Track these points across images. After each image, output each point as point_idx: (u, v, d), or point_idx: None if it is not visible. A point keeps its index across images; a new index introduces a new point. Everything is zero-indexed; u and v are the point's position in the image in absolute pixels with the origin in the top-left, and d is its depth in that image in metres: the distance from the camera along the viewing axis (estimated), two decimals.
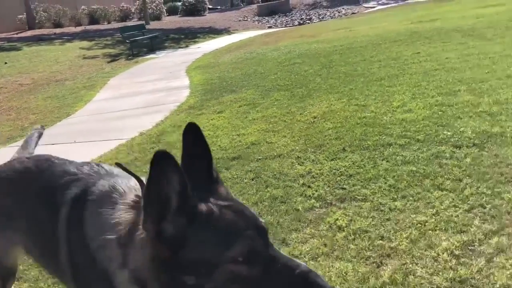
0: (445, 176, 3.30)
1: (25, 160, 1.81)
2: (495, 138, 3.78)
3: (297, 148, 4.40)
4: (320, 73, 7.91)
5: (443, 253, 2.44)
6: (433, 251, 2.49)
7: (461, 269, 2.30)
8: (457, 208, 2.87)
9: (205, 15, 34.74)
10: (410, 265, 2.41)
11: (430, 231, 2.68)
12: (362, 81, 6.66)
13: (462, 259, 2.38)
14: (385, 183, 3.37)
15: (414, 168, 3.50)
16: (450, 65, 6.71)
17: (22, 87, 12.09)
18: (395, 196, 3.16)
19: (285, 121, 5.40)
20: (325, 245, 2.73)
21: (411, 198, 3.10)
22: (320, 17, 29.03)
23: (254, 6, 38.33)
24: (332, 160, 3.98)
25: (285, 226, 3.01)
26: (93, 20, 31.05)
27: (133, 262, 1.20)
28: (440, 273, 2.30)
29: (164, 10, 34.75)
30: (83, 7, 31.10)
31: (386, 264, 2.46)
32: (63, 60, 16.12)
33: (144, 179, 1.27)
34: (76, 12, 30.51)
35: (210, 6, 38.81)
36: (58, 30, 26.21)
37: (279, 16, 32.13)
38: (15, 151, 2.15)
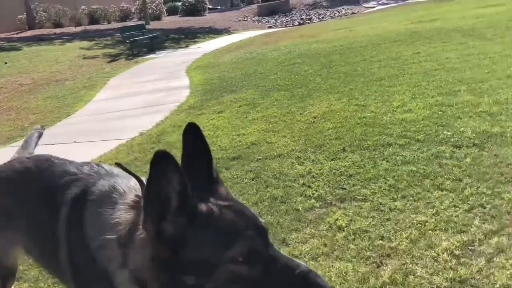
0: (445, 176, 3.30)
1: (25, 160, 1.81)
2: (495, 138, 3.78)
3: (297, 148, 4.40)
4: (320, 73, 7.91)
5: (443, 253, 2.44)
6: (433, 251, 2.49)
7: (461, 269, 2.30)
8: (457, 208, 2.87)
9: (205, 15, 34.75)
10: (410, 265, 2.41)
11: (430, 231, 2.68)
12: (362, 81, 6.66)
13: (462, 259, 2.38)
14: (385, 183, 3.37)
15: (414, 168, 3.50)
16: (450, 65, 6.71)
17: (22, 87, 12.09)
18: (395, 196, 3.16)
19: (285, 121, 5.40)
20: (325, 245, 2.73)
21: (411, 198, 3.10)
22: (320, 17, 29.03)
23: (254, 6, 38.33)
24: (332, 160, 3.98)
25: (285, 226, 3.01)
26: (93, 20, 31.05)
27: (133, 262, 1.20)
28: (440, 273, 2.30)
29: (164, 10, 34.75)
30: (83, 7, 31.10)
31: (386, 264, 2.46)
32: (63, 60, 16.12)
33: (144, 179, 1.27)
34: (76, 12, 30.51)
35: (210, 6, 38.82)
36: (58, 30, 26.21)
37: (279, 16, 32.14)
38: (15, 151, 2.15)
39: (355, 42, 10.61)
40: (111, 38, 22.06)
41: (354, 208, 3.10)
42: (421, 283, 2.26)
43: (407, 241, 2.63)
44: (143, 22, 26.23)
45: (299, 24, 26.63)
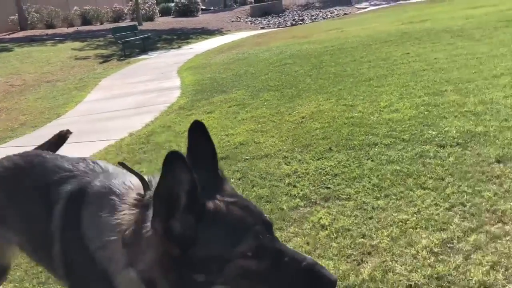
0: (428, 175, 3.34)
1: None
2: (479, 137, 3.83)
3: (284, 148, 4.44)
4: (310, 73, 7.95)
5: (422, 251, 2.48)
6: (413, 249, 2.52)
7: (439, 266, 2.34)
8: (438, 207, 2.91)
9: (198, 15, 34.76)
10: (390, 263, 2.45)
11: (411, 229, 2.72)
12: (351, 82, 6.71)
13: (441, 256, 2.41)
14: (369, 182, 3.41)
15: (398, 168, 3.54)
16: (438, 65, 6.77)
17: (13, 88, 12.05)
18: (378, 195, 3.20)
19: (273, 121, 5.43)
20: (308, 243, 2.76)
21: (393, 197, 3.14)
22: (313, 18, 29.15)
23: (247, 7, 38.41)
24: (318, 159, 4.01)
25: None
26: (86, 21, 30.94)
27: (141, 261, 1.20)
28: (419, 270, 2.34)
29: (157, 11, 34.70)
30: (75, 8, 30.99)
31: (367, 262, 2.49)
32: (54, 61, 16.07)
33: (147, 178, 1.30)
34: (69, 13, 30.38)
35: (203, 7, 38.85)
36: (50, 31, 26.09)
37: (272, 17, 32.23)
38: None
39: (346, 43, 10.67)
40: (104, 39, 22.02)
41: (338, 207, 3.14)
42: (400, 280, 2.30)
43: (388, 239, 2.67)
44: (136, 23, 26.19)
45: (292, 25, 26.73)
